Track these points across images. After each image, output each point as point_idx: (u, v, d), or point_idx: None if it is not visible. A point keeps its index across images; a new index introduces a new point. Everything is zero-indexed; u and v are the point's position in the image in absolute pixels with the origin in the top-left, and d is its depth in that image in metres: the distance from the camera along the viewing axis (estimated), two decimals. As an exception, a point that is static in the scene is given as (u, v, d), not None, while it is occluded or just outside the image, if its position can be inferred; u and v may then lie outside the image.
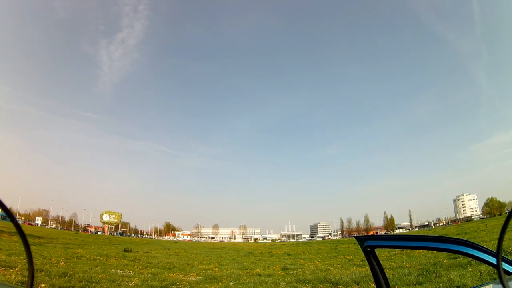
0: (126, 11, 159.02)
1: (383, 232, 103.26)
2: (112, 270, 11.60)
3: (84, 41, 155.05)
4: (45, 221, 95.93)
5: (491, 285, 2.09)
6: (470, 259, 2.69)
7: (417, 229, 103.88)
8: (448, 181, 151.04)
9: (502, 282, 0.53)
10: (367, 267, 2.04)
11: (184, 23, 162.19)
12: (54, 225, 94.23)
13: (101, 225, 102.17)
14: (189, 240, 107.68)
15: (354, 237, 2.32)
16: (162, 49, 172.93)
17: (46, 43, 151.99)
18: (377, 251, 2.08)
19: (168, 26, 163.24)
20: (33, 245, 19.49)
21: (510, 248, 10.39)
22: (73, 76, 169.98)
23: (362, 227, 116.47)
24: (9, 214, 0.46)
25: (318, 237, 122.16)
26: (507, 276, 1.56)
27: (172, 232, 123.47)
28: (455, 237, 1.73)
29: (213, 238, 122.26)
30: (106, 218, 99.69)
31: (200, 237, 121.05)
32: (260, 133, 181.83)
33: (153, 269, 12.80)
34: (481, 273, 7.64)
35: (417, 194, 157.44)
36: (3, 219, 44.42)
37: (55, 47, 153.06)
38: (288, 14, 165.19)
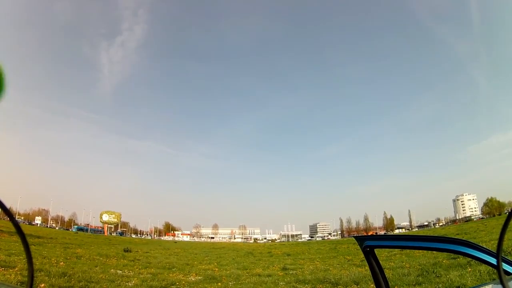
0: (126, 15, 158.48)
1: (382, 232, 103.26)
2: (112, 270, 11.60)
3: (85, 44, 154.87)
4: (45, 220, 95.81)
5: (491, 285, 2.09)
6: (469, 259, 2.69)
7: (416, 229, 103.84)
8: (447, 181, 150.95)
9: (502, 282, 0.53)
10: (367, 267, 2.03)
11: (184, 25, 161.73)
12: (54, 225, 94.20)
13: (100, 224, 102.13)
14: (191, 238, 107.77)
15: (354, 237, 2.32)
16: (162, 51, 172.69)
17: (47, 46, 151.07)
18: (376, 251, 2.08)
19: (167, 29, 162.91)
20: (33, 245, 19.48)
21: (510, 248, 10.40)
22: (74, 78, 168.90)
23: (362, 227, 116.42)
24: (9, 214, 0.45)
25: (318, 237, 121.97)
26: (507, 276, 1.55)
27: (172, 232, 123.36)
28: (455, 237, 1.72)
29: (213, 238, 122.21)
30: (105, 218, 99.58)
31: (200, 237, 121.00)
32: (260, 133, 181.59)
33: (152, 269, 12.80)
34: (480, 273, 7.64)
35: (417, 194, 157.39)
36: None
37: (56, 50, 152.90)
38: (288, 14, 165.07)
